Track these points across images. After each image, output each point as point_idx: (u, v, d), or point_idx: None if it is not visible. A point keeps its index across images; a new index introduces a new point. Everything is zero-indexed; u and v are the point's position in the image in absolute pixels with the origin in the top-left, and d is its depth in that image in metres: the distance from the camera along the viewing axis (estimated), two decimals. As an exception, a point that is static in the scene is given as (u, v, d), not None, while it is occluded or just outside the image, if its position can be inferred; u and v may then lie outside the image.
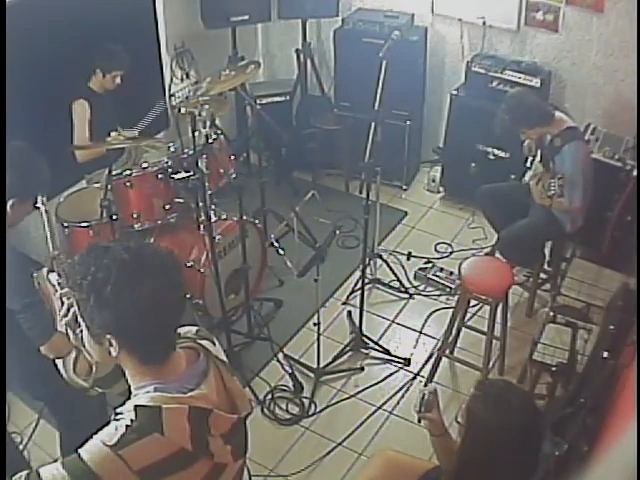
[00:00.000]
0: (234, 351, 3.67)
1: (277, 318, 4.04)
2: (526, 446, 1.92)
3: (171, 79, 4.75)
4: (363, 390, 3.60)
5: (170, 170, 3.52)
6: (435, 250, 4.57)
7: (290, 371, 3.64)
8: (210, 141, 3.61)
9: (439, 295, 4.21)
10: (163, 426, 1.34)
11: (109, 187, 3.36)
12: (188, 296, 3.48)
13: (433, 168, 5.16)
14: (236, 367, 3.52)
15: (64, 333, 2.33)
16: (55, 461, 1.36)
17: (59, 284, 1.42)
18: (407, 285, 4.26)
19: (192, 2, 4.62)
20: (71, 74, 3.72)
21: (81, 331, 1.44)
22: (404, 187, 5.13)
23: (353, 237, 4.61)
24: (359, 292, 3.77)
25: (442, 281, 4.25)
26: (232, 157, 3.88)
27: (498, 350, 3.60)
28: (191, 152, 3.45)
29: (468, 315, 3.73)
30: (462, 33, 4.76)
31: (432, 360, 3.66)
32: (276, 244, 4.27)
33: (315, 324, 3.45)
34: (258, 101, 4.82)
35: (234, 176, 3.77)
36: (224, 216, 3.76)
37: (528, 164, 3.85)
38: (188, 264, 3.58)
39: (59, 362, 2.37)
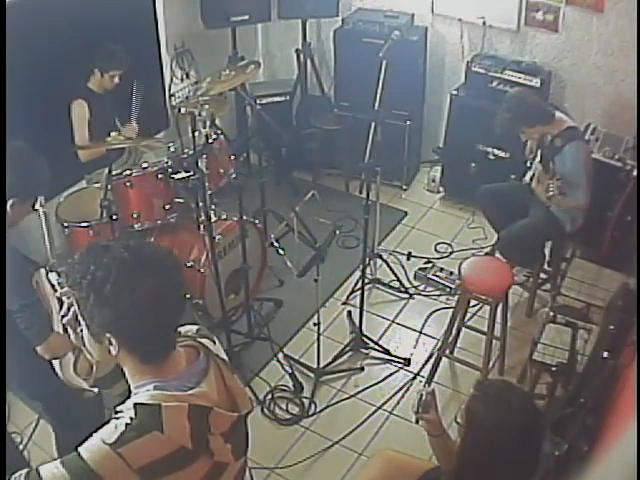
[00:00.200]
0: (234, 351, 3.67)
1: (277, 318, 4.04)
2: (526, 446, 1.92)
3: (171, 79, 4.76)
4: (363, 390, 3.60)
5: (170, 170, 3.52)
6: (435, 250, 4.57)
7: (290, 371, 3.64)
8: (210, 141, 3.61)
9: (439, 295, 4.21)
10: (163, 424, 1.34)
11: (109, 187, 3.36)
12: (188, 296, 3.48)
13: (433, 168, 5.16)
14: (236, 367, 3.52)
15: (61, 333, 2.34)
16: (55, 460, 1.36)
17: (59, 284, 1.42)
18: (407, 285, 4.26)
19: (192, 2, 4.62)
20: (70, 74, 3.72)
21: (81, 330, 1.44)
22: (404, 187, 5.13)
23: (353, 237, 4.61)
24: (359, 292, 3.77)
25: (442, 281, 4.25)
26: (232, 157, 3.88)
27: (498, 350, 3.60)
28: (191, 152, 3.45)
29: (468, 315, 3.73)
30: (462, 33, 4.76)
31: (432, 360, 3.66)
32: (276, 244, 4.27)
33: (315, 324, 3.45)
34: (258, 101, 4.82)
35: (234, 176, 3.77)
36: (224, 216, 3.76)
37: (528, 164, 3.86)
38: (188, 264, 3.58)
39: (55, 362, 2.37)
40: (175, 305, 1.42)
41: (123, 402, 1.41)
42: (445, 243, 4.63)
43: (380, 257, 4.35)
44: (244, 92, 4.54)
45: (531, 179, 3.81)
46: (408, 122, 4.78)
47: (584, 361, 3.07)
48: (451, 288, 4.20)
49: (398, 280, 4.26)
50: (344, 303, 4.15)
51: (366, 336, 3.81)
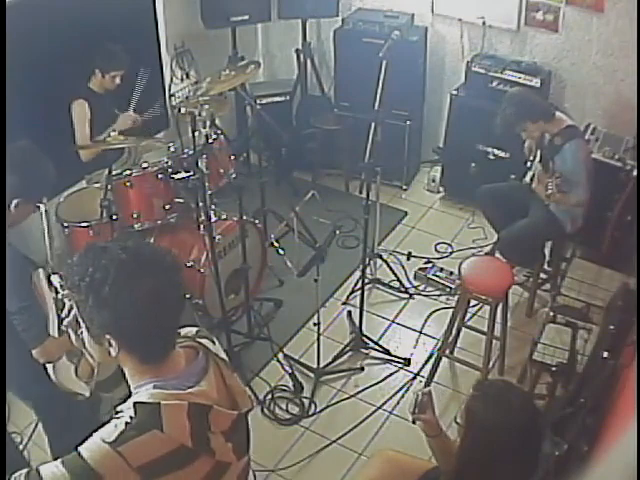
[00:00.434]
0: (234, 351, 3.67)
1: (277, 318, 4.04)
2: (526, 446, 1.92)
3: (171, 79, 4.76)
4: (363, 390, 3.60)
5: (170, 170, 3.52)
6: (435, 250, 4.57)
7: (290, 371, 3.64)
8: (210, 141, 3.61)
9: (439, 295, 4.21)
10: (162, 422, 1.34)
11: (109, 187, 3.37)
12: (188, 296, 3.48)
13: (433, 168, 5.16)
14: (236, 367, 3.52)
15: (56, 337, 2.34)
16: (55, 459, 1.36)
17: (61, 286, 1.42)
18: (407, 285, 4.26)
19: (192, 2, 4.62)
20: (71, 74, 3.72)
21: (82, 332, 1.44)
22: (404, 187, 5.13)
23: (353, 237, 4.61)
24: (359, 292, 3.77)
25: (442, 281, 4.25)
26: (232, 157, 3.88)
27: (498, 350, 3.60)
28: (191, 152, 3.46)
29: (468, 315, 3.73)
30: (462, 33, 4.76)
31: (432, 360, 3.66)
32: (276, 244, 4.27)
33: (315, 324, 3.45)
34: (258, 101, 4.82)
35: (234, 176, 3.77)
36: (224, 216, 3.75)
37: (528, 164, 3.86)
38: (188, 264, 3.57)
39: (49, 366, 2.37)
40: (174, 305, 1.42)
41: (124, 402, 1.41)
42: (445, 243, 4.63)
43: (380, 257, 4.35)
44: (244, 92, 4.54)
45: (531, 179, 3.81)
46: (408, 122, 4.78)
47: (584, 361, 3.07)
48: (451, 288, 4.20)
49: (398, 280, 4.26)
50: (344, 303, 4.15)
51: (366, 336, 3.81)
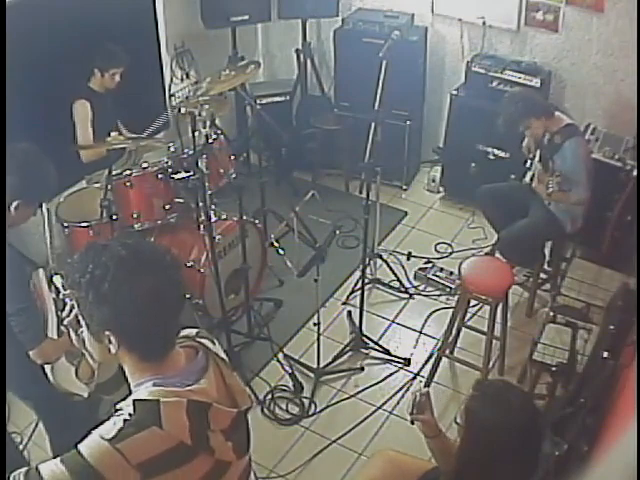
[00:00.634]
0: (234, 351, 3.67)
1: (277, 318, 4.04)
2: (526, 446, 1.92)
3: (171, 79, 4.76)
4: (363, 390, 3.60)
5: (170, 170, 3.52)
6: (435, 250, 4.57)
7: (290, 371, 3.64)
8: (210, 141, 3.61)
9: (439, 295, 4.21)
10: (162, 419, 1.34)
11: (109, 187, 3.36)
12: (188, 296, 3.48)
13: (433, 168, 5.16)
14: (236, 367, 3.52)
15: (54, 339, 2.33)
16: (55, 457, 1.36)
17: (63, 286, 1.42)
18: (407, 285, 4.26)
19: (192, 2, 4.62)
20: (71, 74, 3.72)
21: (82, 332, 1.45)
22: (404, 187, 5.13)
23: (353, 237, 4.61)
24: (359, 292, 3.77)
25: (442, 281, 4.25)
26: (232, 157, 3.88)
27: (498, 350, 3.60)
28: (191, 152, 3.46)
29: (468, 315, 3.73)
30: (462, 33, 4.76)
31: (432, 360, 3.66)
32: (276, 244, 4.27)
33: (315, 324, 3.45)
34: (258, 101, 4.82)
35: (234, 176, 3.77)
36: (224, 216, 3.75)
37: (528, 164, 3.86)
38: (188, 264, 3.57)
39: (47, 367, 2.37)
40: (174, 303, 1.42)
41: (124, 400, 1.41)
42: (445, 243, 4.63)
43: (380, 257, 4.35)
44: (244, 92, 4.54)
45: (531, 179, 3.81)
46: (408, 122, 4.78)
47: (584, 361, 3.07)
48: (451, 288, 4.20)
49: (398, 280, 4.26)
50: (344, 303, 4.15)
51: (366, 336, 3.81)
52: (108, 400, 1.69)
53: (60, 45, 3.72)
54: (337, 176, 5.16)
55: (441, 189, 5.09)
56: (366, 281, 3.91)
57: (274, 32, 5.43)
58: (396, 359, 3.75)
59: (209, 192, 3.38)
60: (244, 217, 3.58)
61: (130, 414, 1.35)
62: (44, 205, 2.44)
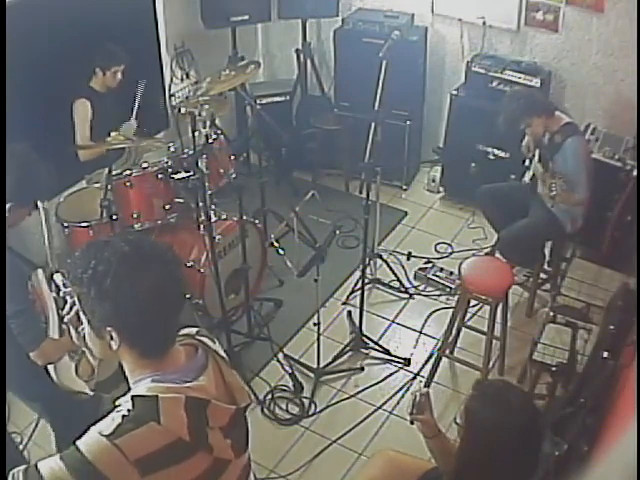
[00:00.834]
0: (234, 351, 3.67)
1: (277, 318, 4.04)
2: (526, 446, 1.92)
3: (171, 79, 4.76)
4: (363, 390, 3.60)
5: (170, 170, 3.52)
6: (435, 250, 4.57)
7: (290, 371, 3.64)
8: (210, 141, 3.61)
9: (439, 295, 4.21)
10: (160, 415, 1.34)
11: (109, 187, 3.36)
12: (188, 296, 3.48)
13: (433, 168, 5.16)
14: (236, 367, 3.49)
15: (55, 339, 2.33)
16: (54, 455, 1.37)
17: (64, 284, 1.43)
18: (407, 285, 4.26)
19: (192, 2, 4.62)
20: (71, 74, 3.72)
21: (83, 329, 1.45)
22: (404, 187, 5.13)
23: (353, 237, 4.61)
24: (359, 292, 3.77)
25: (442, 281, 4.25)
26: (232, 157, 3.88)
27: (498, 350, 3.60)
28: (191, 152, 3.46)
29: (468, 315, 3.73)
30: (462, 33, 4.76)
31: (432, 360, 3.66)
32: (276, 244, 4.27)
33: (315, 324, 3.45)
34: (258, 101, 4.82)
35: (234, 176, 3.77)
36: (224, 216, 3.76)
37: (527, 164, 3.86)
38: (188, 264, 3.58)
39: (50, 367, 2.36)
40: (175, 299, 1.43)
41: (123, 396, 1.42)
42: (445, 243, 4.63)
43: (380, 257, 4.35)
44: (244, 92, 4.54)
45: (531, 179, 3.81)
46: (408, 122, 4.78)
47: (584, 361, 3.07)
48: (451, 288, 4.20)
49: (398, 280, 4.26)
50: (344, 303, 4.15)
51: (366, 336, 3.81)
52: (112, 398, 1.70)
53: (60, 45, 3.72)
54: (337, 176, 5.16)
55: (441, 189, 5.09)
56: (366, 281, 3.91)
57: (274, 32, 5.43)
58: (396, 359, 3.75)
59: (209, 192, 3.38)
60: (244, 217, 3.58)
61: (128, 410, 1.36)
62: (41, 205, 2.43)
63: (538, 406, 2.25)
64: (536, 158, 3.75)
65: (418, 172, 5.34)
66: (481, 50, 4.68)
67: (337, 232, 3.87)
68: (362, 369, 3.72)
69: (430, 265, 4.37)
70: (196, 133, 3.24)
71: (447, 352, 3.65)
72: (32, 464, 1.37)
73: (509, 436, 1.91)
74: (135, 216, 3.52)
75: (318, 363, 3.61)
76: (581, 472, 2.06)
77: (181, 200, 3.58)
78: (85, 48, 3.71)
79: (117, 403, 1.40)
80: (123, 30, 4.00)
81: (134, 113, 3.95)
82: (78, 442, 1.35)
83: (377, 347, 3.80)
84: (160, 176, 3.53)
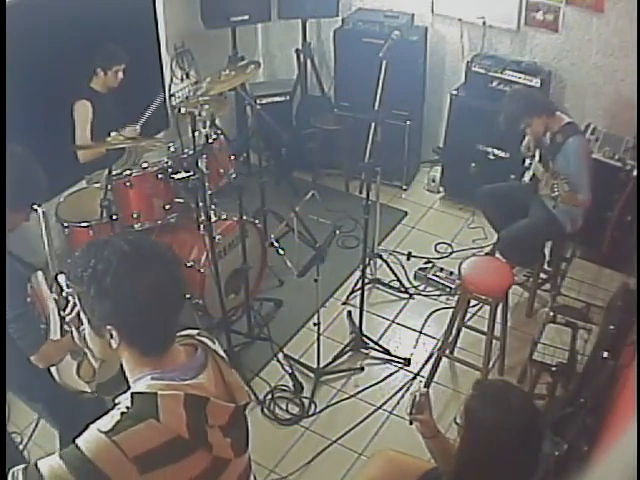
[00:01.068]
0: (234, 351, 3.67)
1: (277, 318, 4.04)
2: (526, 446, 1.91)
3: (171, 79, 4.76)
4: (363, 390, 3.60)
5: (170, 170, 3.52)
6: (435, 250, 4.57)
7: (290, 371, 3.64)
8: (210, 141, 3.62)
9: (439, 295, 4.21)
10: (159, 412, 1.34)
11: (109, 187, 3.36)
12: (188, 296, 3.48)
13: (433, 168, 5.16)
14: (236, 367, 3.50)
15: (55, 340, 2.33)
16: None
17: (67, 285, 1.43)
18: (407, 285, 4.26)
19: (192, 2, 4.62)
20: (72, 74, 3.72)
21: (84, 329, 1.45)
22: (404, 187, 5.13)
23: (353, 237, 4.61)
24: (359, 292, 3.77)
25: (442, 281, 4.25)
26: (232, 157, 3.88)
27: (498, 350, 3.60)
28: (191, 152, 3.46)
29: (468, 315, 3.73)
30: (462, 33, 4.76)
31: (432, 360, 3.66)
32: (276, 244, 4.27)
33: (315, 324, 3.45)
34: (258, 101, 4.82)
35: (234, 176, 3.77)
36: (224, 216, 3.76)
37: (526, 164, 3.86)
38: (188, 264, 3.58)
39: (53, 368, 2.36)
40: (175, 298, 1.43)
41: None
42: (445, 243, 4.63)
43: (380, 257, 4.35)
44: (244, 92, 4.54)
45: (531, 179, 3.81)
46: (408, 122, 4.78)
47: (584, 361, 3.07)
48: (451, 288, 4.20)
49: (398, 280, 4.26)
50: (344, 303, 4.15)
51: (366, 336, 3.81)
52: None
53: (60, 45, 3.72)
54: (337, 176, 5.16)
55: (441, 189, 5.09)
56: (366, 281, 3.91)
57: (274, 32, 5.43)
58: (396, 359, 3.75)
59: (209, 192, 3.38)
60: (244, 217, 3.58)
61: (127, 407, 1.36)
62: (39, 208, 2.42)
63: (538, 406, 2.25)
64: (536, 158, 3.75)
65: (418, 172, 5.34)
66: (481, 50, 4.68)
67: (337, 232, 3.87)
68: (362, 369, 3.72)
69: (430, 265, 4.37)
70: (196, 133, 3.24)
71: (447, 352, 3.65)
72: (31, 463, 1.36)
73: (509, 436, 1.90)
74: (135, 216, 3.52)
75: (318, 363, 3.61)
76: (581, 472, 2.06)
77: (181, 200, 3.58)
78: (85, 48, 3.71)
79: (117, 401, 1.41)
80: (123, 30, 4.00)
81: (140, 121, 3.96)
82: (77, 440, 1.35)
83: (377, 347, 3.80)
84: (160, 176, 3.53)
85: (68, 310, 1.52)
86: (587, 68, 4.43)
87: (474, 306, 3.85)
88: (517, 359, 3.65)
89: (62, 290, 1.70)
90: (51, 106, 3.69)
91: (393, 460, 2.56)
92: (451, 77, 4.93)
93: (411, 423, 2.31)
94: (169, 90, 4.76)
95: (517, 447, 1.91)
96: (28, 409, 3.19)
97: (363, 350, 3.80)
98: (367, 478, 2.55)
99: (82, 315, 1.43)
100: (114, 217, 3.36)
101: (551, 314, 3.20)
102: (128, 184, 3.48)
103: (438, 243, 4.62)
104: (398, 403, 3.52)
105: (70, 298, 1.48)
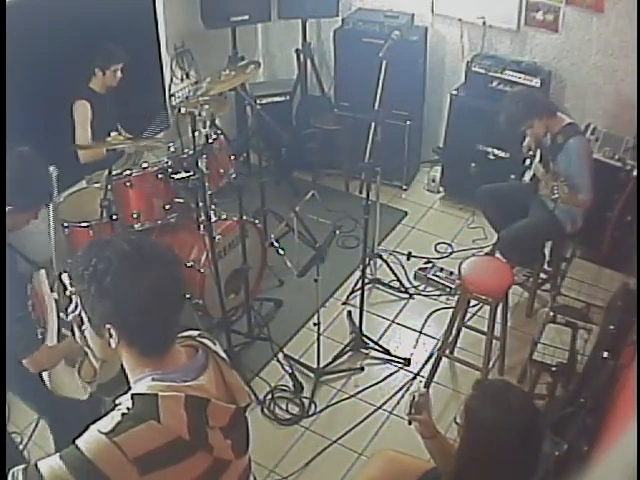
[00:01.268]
0: (234, 351, 3.67)
1: (277, 318, 4.04)
2: (526, 446, 1.91)
3: (171, 79, 4.76)
4: (363, 390, 3.60)
5: (170, 170, 3.52)
6: (435, 250, 4.57)
7: (290, 371, 3.64)
8: (210, 141, 3.61)
9: (439, 295, 4.21)
10: (160, 413, 1.34)
11: (109, 187, 3.36)
12: (188, 296, 3.48)
13: (433, 168, 5.16)
14: (236, 367, 3.50)
15: (48, 346, 2.32)
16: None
17: (70, 284, 1.44)
18: (407, 285, 4.26)
19: (192, 2, 4.62)
20: (71, 74, 3.73)
21: (85, 328, 1.45)
22: (404, 187, 5.13)
23: (353, 237, 4.61)
24: (359, 292, 3.77)
25: (442, 281, 4.25)
26: (232, 157, 3.88)
27: (498, 350, 3.60)
28: (191, 152, 3.45)
29: (468, 315, 3.73)
30: (462, 33, 4.76)
31: (432, 360, 3.66)
32: (276, 244, 4.27)
33: (315, 324, 3.45)
34: (258, 101, 4.82)
35: (234, 176, 3.77)
36: (224, 216, 3.75)
37: (527, 163, 3.85)
38: (188, 264, 3.58)
39: (44, 373, 2.35)
40: (175, 299, 1.44)
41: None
42: (445, 243, 4.63)
43: (380, 257, 4.35)
44: (244, 92, 4.54)
45: (531, 179, 3.81)
46: (408, 122, 4.78)
47: (584, 361, 3.07)
48: (451, 288, 4.20)
49: (398, 280, 4.26)
50: (344, 303, 4.15)
51: (366, 336, 3.81)
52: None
53: (60, 45, 3.72)
54: (337, 176, 5.16)
55: (441, 189, 5.09)
56: (366, 281, 3.91)
57: (274, 32, 5.43)
58: (396, 359, 3.75)
59: (209, 192, 3.38)
60: (244, 217, 3.58)
61: (128, 408, 1.36)
62: (50, 209, 2.41)
63: (538, 406, 2.25)
64: (537, 159, 3.74)
65: (418, 172, 5.34)
66: (481, 50, 4.68)
67: (337, 232, 3.87)
68: (362, 369, 3.72)
69: (430, 265, 4.37)
70: (196, 133, 3.24)
71: (447, 352, 3.65)
72: (32, 463, 1.36)
73: (509, 436, 1.90)
74: (135, 216, 3.52)
75: (318, 363, 3.61)
76: (581, 472, 2.06)
77: (181, 200, 3.58)
78: (85, 48, 3.71)
79: (117, 402, 1.41)
80: (123, 30, 4.00)
81: (144, 133, 3.98)
82: (78, 440, 1.35)
83: (377, 347, 3.80)
84: (160, 176, 3.53)
85: (71, 309, 1.52)
86: (587, 68, 4.43)
87: (474, 306, 3.85)
88: (517, 359, 3.65)
89: (65, 289, 1.70)
90: (51, 106, 3.69)
91: (393, 460, 2.56)
92: (451, 77, 4.93)
93: (410, 423, 2.31)
94: (169, 90, 4.76)
95: (517, 447, 1.91)
96: (28, 409, 3.19)
97: (363, 350, 3.80)
98: (367, 478, 2.55)
99: (83, 314, 1.43)
100: (114, 217, 3.36)
101: (551, 314, 3.20)
102: (128, 184, 3.48)
103: (438, 243, 4.62)
104: (398, 403, 3.52)
105: (73, 298, 1.48)
